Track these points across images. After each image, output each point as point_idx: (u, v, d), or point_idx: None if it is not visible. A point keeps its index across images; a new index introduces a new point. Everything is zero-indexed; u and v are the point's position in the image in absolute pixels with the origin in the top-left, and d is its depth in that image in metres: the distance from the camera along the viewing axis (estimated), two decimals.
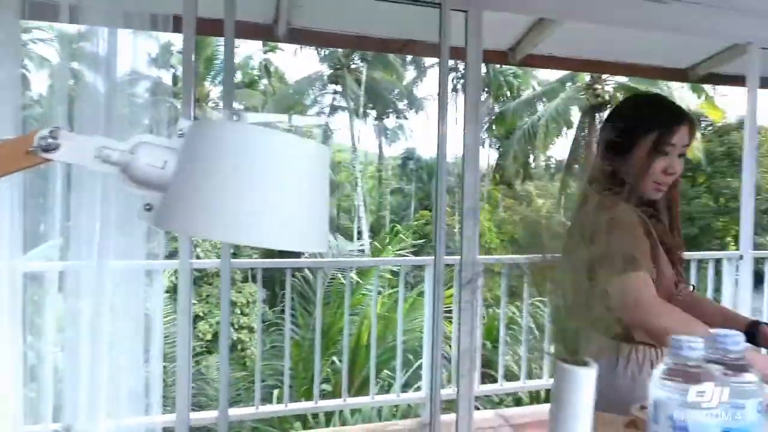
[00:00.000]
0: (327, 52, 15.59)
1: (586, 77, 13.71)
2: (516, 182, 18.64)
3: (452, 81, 19.41)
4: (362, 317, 4.21)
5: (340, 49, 14.63)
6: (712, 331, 0.53)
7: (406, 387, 4.20)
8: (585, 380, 0.39)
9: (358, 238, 16.31)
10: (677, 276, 1.12)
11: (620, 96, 12.92)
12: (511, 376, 3.55)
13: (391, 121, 19.30)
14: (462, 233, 1.89)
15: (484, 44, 3.00)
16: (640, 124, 1.09)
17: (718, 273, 3.05)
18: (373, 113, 18.77)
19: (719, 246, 10.95)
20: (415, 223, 16.16)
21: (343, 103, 16.91)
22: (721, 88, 11.20)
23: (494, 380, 2.98)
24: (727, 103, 13.38)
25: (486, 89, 18.33)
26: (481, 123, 1.96)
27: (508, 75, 17.23)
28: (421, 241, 12.52)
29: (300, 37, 2.86)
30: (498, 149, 18.65)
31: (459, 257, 2.01)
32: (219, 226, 0.42)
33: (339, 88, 16.76)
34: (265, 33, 2.71)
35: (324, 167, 0.47)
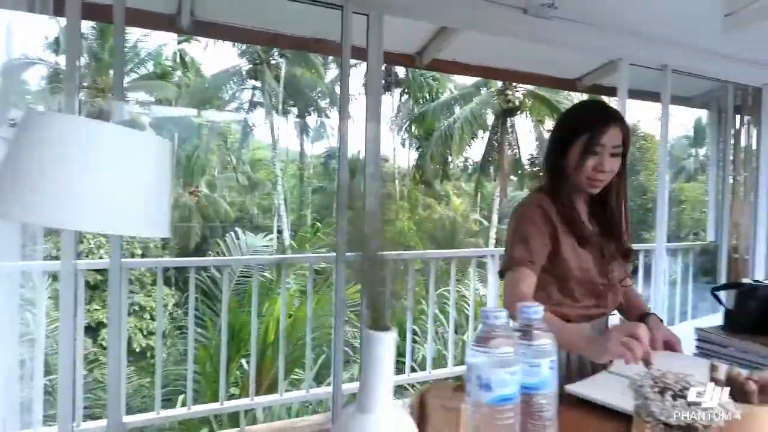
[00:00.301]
0: (245, 46, 15.14)
1: (498, 83, 14.49)
2: (435, 182, 19.27)
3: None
4: (271, 316, 4.15)
5: (258, 45, 14.25)
6: (520, 304, 0.62)
7: (322, 383, 4.25)
8: (388, 343, 0.46)
9: (278, 237, 16.02)
10: (600, 262, 1.22)
11: (528, 102, 13.80)
12: (423, 366, 3.69)
13: (313, 120, 19.14)
14: (339, 232, 1.95)
15: (392, 47, 3.12)
16: (575, 125, 1.21)
17: None
18: (294, 111, 18.51)
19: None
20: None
21: (263, 100, 16.50)
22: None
23: (402, 371, 3.09)
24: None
25: (406, 91, 18.77)
26: (380, 121, 2.04)
27: (428, 78, 17.75)
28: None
29: (206, 30, 2.78)
30: (418, 150, 19.15)
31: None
32: (49, 212, 0.43)
33: (258, 83, 16.33)
34: (167, 23, 2.60)
35: (165, 159, 0.49)
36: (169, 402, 4.70)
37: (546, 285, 1.20)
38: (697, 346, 1.09)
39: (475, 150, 17.95)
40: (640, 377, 0.65)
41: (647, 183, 13.54)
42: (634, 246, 3.18)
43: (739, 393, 0.70)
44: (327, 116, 18.78)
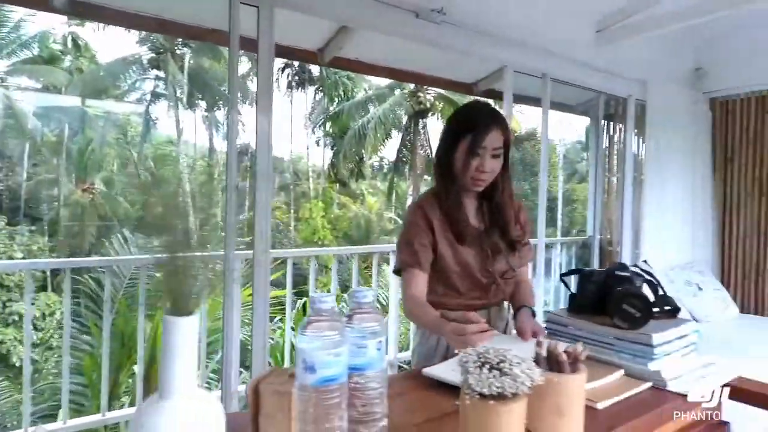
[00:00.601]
0: (145, 33, 14.14)
1: (411, 85, 14.87)
2: (350, 181, 19.34)
3: (287, 77, 19.29)
4: (159, 321, 3.90)
5: (145, 31, 13.35)
6: (354, 289, 0.65)
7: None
8: (186, 328, 0.46)
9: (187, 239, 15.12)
10: (483, 258, 1.31)
11: (439, 104, 14.31)
12: None
13: (223, 114, 18.35)
14: (254, 227, 1.92)
15: (295, 42, 3.09)
16: (460, 127, 1.28)
17: None
18: (202, 104, 17.63)
19: None
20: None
21: (167, 91, 15.52)
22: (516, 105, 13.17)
23: None
24: (522, 117, 15.83)
25: (321, 89, 18.64)
26: (271, 113, 2.01)
27: (342, 77, 17.76)
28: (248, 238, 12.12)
29: (85, 11, 2.56)
30: (333, 148, 19.10)
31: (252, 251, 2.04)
32: None
33: (162, 74, 15.34)
34: (37, 1, 2.37)
35: None
36: (52, 417, 4.27)
37: (432, 279, 1.30)
38: (546, 327, 1.20)
39: (389, 149, 18.29)
40: (465, 354, 0.70)
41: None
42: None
43: (555, 364, 0.78)
44: (239, 111, 18.10)
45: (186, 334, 0.46)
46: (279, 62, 18.88)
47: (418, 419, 0.79)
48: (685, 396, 0.94)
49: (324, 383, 0.58)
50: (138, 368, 2.53)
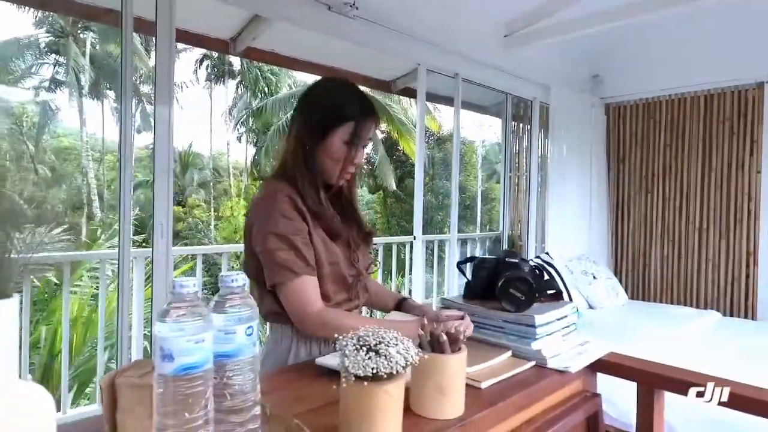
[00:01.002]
0: (42, 13, 12.88)
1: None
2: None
3: (206, 69, 18.45)
4: (60, 323, 3.58)
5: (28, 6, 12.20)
6: (222, 274, 0.62)
7: None
8: (4, 311, 0.42)
9: (92, 238, 14.02)
10: (348, 252, 1.17)
11: None
12: None
13: (135, 105, 17.15)
14: (122, 226, 1.80)
15: (205, 30, 2.95)
16: (337, 113, 1.09)
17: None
18: (111, 95, 16.38)
19: (439, 233, 13.36)
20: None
21: (68, 79, 14.24)
22: (438, 106, 13.52)
23: None
24: (443, 118, 16.30)
25: (243, 83, 18.01)
26: (172, 104, 1.90)
27: (265, 71, 17.29)
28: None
29: None
30: (256, 145, 18.54)
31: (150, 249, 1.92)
32: None
33: (62, 59, 14.05)
34: None
35: None
36: None
37: None
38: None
39: None
40: (345, 337, 0.70)
41: (465, 184, 15.20)
42: (432, 237, 3.54)
43: (436, 344, 0.81)
44: (151, 103, 17.03)
45: (3, 318, 0.41)
46: (197, 54, 18.01)
47: (299, 409, 0.78)
48: (563, 372, 1.01)
49: (184, 371, 0.54)
50: (35, 376, 2.29)
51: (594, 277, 3.40)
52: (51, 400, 0.45)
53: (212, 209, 18.10)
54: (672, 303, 3.77)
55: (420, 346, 0.81)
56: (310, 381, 0.93)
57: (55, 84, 14.79)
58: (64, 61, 14.04)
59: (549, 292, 1.20)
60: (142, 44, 13.46)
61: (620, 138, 4.17)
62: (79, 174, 16.50)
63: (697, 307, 3.64)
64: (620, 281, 3.86)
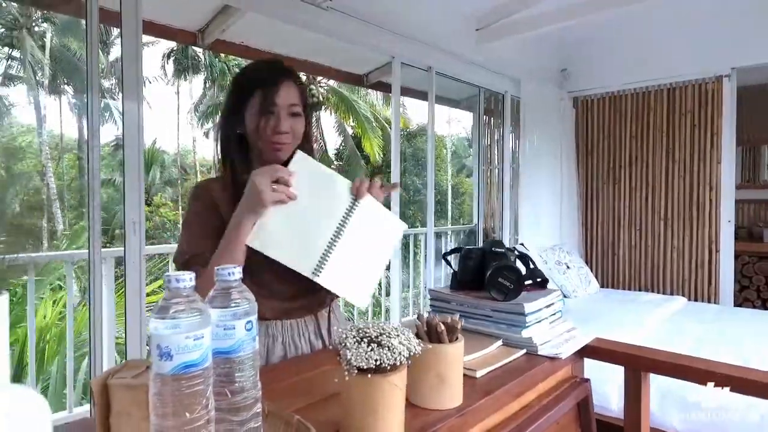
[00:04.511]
0: None
1: (303, 76, 14.59)
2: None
3: (174, 64, 17.90)
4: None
5: (14, 4, 11.68)
6: (216, 268, 0.59)
7: None
8: None
9: (53, 239, 13.53)
10: None
11: (332, 98, 14.26)
12: None
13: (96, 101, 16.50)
14: (92, 227, 1.73)
15: (170, 21, 2.85)
16: (246, 85, 1.06)
17: None
18: (69, 90, 15.73)
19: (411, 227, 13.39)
20: None
21: (24, 74, 13.58)
22: (406, 100, 13.55)
23: None
24: (412, 113, 16.37)
25: (211, 78, 17.56)
26: (141, 101, 1.83)
27: (232, 65, 16.92)
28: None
29: None
30: None
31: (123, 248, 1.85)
32: None
33: (16, 53, 13.38)
34: None
35: None
36: None
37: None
38: (431, 304, 1.23)
39: None
40: (344, 330, 0.68)
41: (436, 178, 15.33)
42: (408, 231, 3.54)
43: (434, 334, 0.80)
44: (113, 98, 16.43)
45: None
46: (163, 47, 17.44)
47: (299, 404, 0.76)
48: (554, 358, 1.02)
49: (184, 370, 0.52)
50: None
51: (568, 267, 3.48)
52: (46, 405, 0.42)
53: (180, 208, 17.64)
54: (640, 290, 3.90)
55: (417, 335, 0.80)
56: (307, 375, 0.91)
57: (7, 79, 14.08)
58: (18, 55, 13.38)
59: (537, 280, 1.21)
60: (100, 38, 12.94)
61: (588, 130, 4.27)
62: (36, 173, 15.80)
63: (664, 293, 3.78)
64: (591, 270, 3.97)
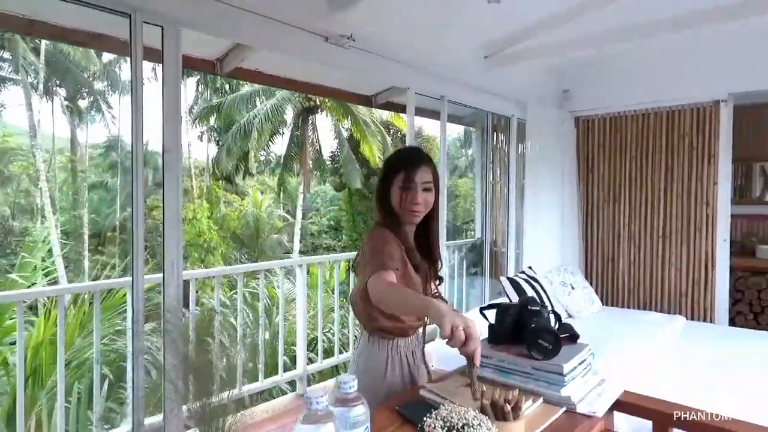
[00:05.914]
0: None
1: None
2: (237, 177, 18.51)
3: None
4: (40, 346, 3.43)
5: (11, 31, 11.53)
6: (339, 378, 0.69)
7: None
8: None
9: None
10: (425, 284, 1.43)
11: (327, 102, 14.29)
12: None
13: (87, 104, 16.40)
14: (135, 255, 1.81)
15: (190, 51, 2.92)
16: (392, 167, 1.43)
17: None
18: (62, 92, 15.59)
19: None
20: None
21: (17, 77, 13.45)
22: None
23: None
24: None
25: (204, 81, 17.50)
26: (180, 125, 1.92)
27: None
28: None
29: None
30: (217, 143, 18.12)
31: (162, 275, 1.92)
32: None
33: (9, 56, 13.25)
34: None
35: None
36: None
37: (372, 305, 1.25)
38: None
39: (278, 145, 17.84)
40: (431, 420, 0.78)
41: None
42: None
43: (500, 412, 0.90)
44: (106, 101, 16.32)
45: None
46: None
47: None
48: (591, 416, 1.13)
49: None
50: None
51: (572, 288, 3.60)
52: None
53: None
54: (639, 307, 4.04)
55: (482, 411, 0.90)
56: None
57: (1, 81, 13.94)
58: (11, 57, 13.24)
59: (567, 335, 1.32)
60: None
61: (589, 150, 4.40)
62: (27, 176, 15.67)
63: (662, 311, 3.92)
64: (593, 288, 4.10)
